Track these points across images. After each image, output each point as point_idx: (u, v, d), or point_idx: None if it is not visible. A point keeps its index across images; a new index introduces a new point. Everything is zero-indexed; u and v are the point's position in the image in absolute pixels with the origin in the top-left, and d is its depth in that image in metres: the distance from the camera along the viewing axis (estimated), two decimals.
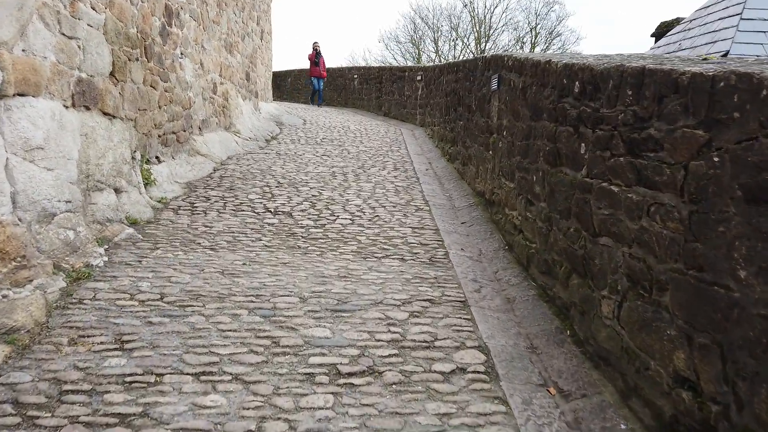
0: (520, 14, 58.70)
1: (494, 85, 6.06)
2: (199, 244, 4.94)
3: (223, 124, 9.73)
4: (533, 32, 40.99)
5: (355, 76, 20.73)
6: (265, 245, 5.04)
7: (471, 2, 46.89)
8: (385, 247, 5.14)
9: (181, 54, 7.36)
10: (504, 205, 5.45)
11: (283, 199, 6.44)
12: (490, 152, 6.12)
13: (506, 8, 40.38)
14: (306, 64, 24.26)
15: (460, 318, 3.75)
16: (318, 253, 4.92)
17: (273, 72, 29.12)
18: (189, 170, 7.20)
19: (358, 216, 6.02)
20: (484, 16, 41.70)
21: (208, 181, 7.05)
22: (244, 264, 4.51)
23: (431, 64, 14.75)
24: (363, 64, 35.30)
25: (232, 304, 3.76)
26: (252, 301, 3.82)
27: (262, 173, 7.61)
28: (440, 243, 5.31)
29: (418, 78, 15.00)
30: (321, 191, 6.81)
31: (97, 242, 4.54)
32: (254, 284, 4.10)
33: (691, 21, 7.01)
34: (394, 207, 6.38)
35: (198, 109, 8.21)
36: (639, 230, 2.72)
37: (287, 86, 27.02)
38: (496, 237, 5.50)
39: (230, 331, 3.42)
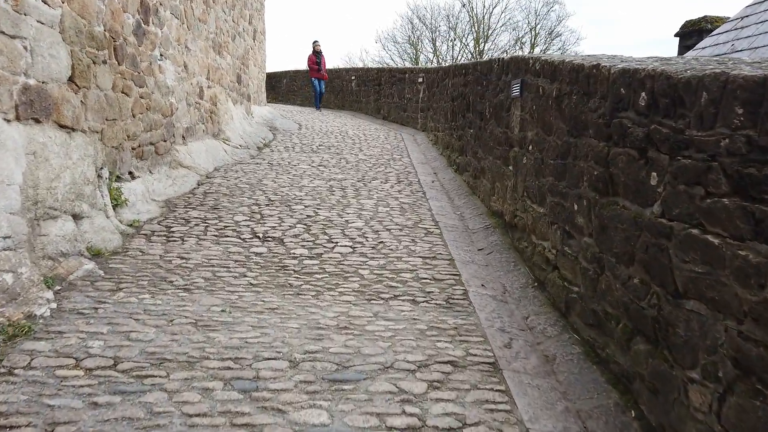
0: (520, 14, 58.05)
1: (515, 92, 5.29)
2: (172, 282, 4.15)
3: (211, 131, 8.94)
4: (533, 32, 40.38)
5: (353, 78, 19.95)
6: (251, 283, 4.25)
7: (469, 2, 46.17)
8: (393, 284, 4.36)
9: (161, 55, 6.58)
10: (530, 232, 4.68)
11: (273, 221, 5.65)
12: (511, 168, 5.35)
13: (505, 8, 39.59)
14: (302, 65, 23.48)
15: (492, 389, 2.97)
16: (313, 293, 4.14)
17: (267, 73, 28.34)
18: (169, 185, 6.42)
19: (359, 242, 5.23)
20: (483, 16, 41.00)
21: (190, 198, 6.26)
22: (222, 311, 3.72)
23: (434, 65, 13.90)
24: (360, 65, 34.53)
25: (204, 373, 2.97)
26: (229, 368, 3.03)
27: (251, 188, 6.82)
28: (456, 278, 4.54)
29: (420, 80, 14.24)
30: (317, 210, 6.03)
31: (46, 283, 3.75)
32: (233, 341, 3.31)
33: (742, 18, 6.27)
34: (400, 230, 5.60)
35: (181, 116, 7.43)
36: (760, 303, 1.95)
37: (282, 88, 26.25)
38: (521, 270, 4.72)
39: (198, 415, 2.63)
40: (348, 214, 5.97)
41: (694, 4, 48.38)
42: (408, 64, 41.13)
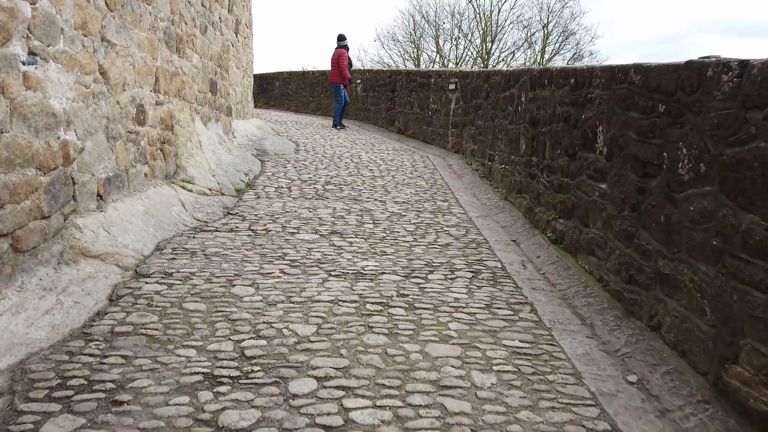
0: (530, 11, 54.92)
1: None
2: None
3: (162, 173, 5.75)
4: (545, 30, 37.40)
5: (359, 81, 16.75)
6: None
7: None
8: None
9: (32, 55, 3.38)
10: None
11: None
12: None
13: (514, 4, 36.36)
14: (296, 65, 20.50)
15: None
16: None
17: (258, 74, 25.09)
18: (41, 316, 3.20)
19: None
20: (491, 12, 37.93)
21: (72, 353, 3.03)
22: None
23: (475, 68, 10.75)
24: (358, 64, 31.20)
25: None
26: None
27: (210, 308, 3.59)
28: None
29: (451, 87, 11.07)
30: (341, 394, 2.81)
31: None
32: None
33: None
34: None
35: (94, 161, 4.24)
36: None
37: (275, 91, 23.04)
38: None
39: None
40: (420, 412, 2.74)
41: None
42: (410, 65, 38.03)
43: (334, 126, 14.03)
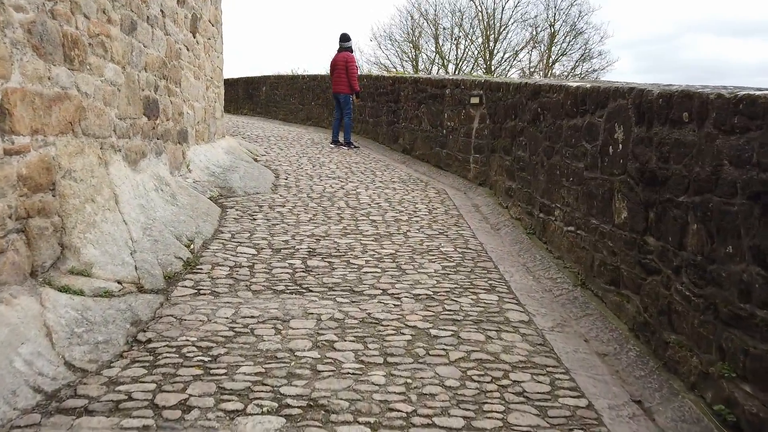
0: (535, 8, 52.56)
1: None
2: None
3: (19, 271, 3.32)
4: (551, 28, 35.06)
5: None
6: None
7: None
8: None
9: None
10: None
11: None
12: None
13: (519, 2, 33.97)
14: (284, 68, 18.27)
15: None
16: None
17: (244, 78, 22.57)
18: None
19: None
20: (494, 10, 35.56)
21: None
22: None
23: (513, 77, 8.31)
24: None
25: None
26: None
27: None
28: None
29: (474, 101, 8.67)
30: None
31: None
32: None
33: None
34: None
35: None
36: None
37: (261, 97, 20.60)
38: None
39: None
40: None
41: None
42: (409, 67, 35.58)
43: (347, 145, 11.66)
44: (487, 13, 35.11)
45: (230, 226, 5.74)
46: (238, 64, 57.58)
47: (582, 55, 34.85)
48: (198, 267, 4.57)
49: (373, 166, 9.66)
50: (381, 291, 4.27)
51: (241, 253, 4.96)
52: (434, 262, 5.01)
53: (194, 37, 7.61)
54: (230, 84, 22.92)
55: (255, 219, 6.03)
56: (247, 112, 21.31)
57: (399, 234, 5.79)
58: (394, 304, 4.03)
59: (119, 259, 4.18)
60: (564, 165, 5.13)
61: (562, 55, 35.11)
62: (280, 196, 7.14)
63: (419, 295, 4.24)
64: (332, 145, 11.65)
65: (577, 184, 4.79)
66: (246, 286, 4.26)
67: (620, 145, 4.04)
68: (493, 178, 7.85)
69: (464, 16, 37.64)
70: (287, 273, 4.55)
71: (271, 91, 19.96)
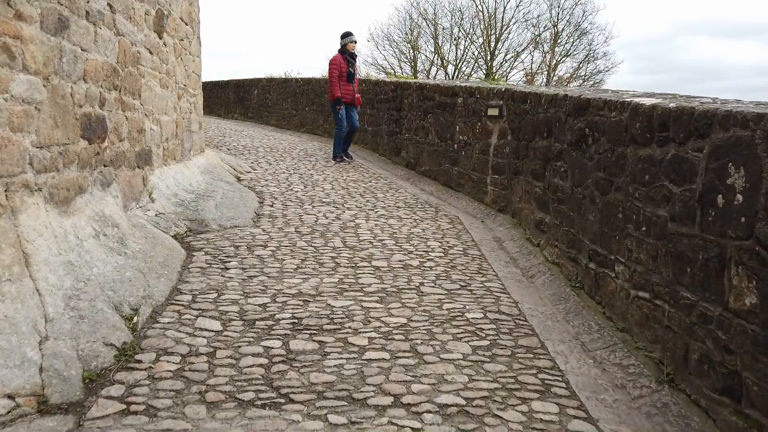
0: (538, 8, 51.34)
1: None
2: None
3: None
4: (555, 29, 33.87)
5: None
6: None
7: None
8: None
9: None
10: None
11: None
12: None
13: (521, 0, 32.67)
14: (276, 70, 17.09)
15: None
16: None
17: (234, 81, 21.23)
18: None
19: None
20: (495, 10, 34.33)
21: None
22: None
23: (540, 88, 6.86)
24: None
25: None
26: None
27: None
28: None
29: (492, 112, 7.42)
30: None
31: None
32: None
33: None
34: None
35: None
36: None
37: (253, 101, 19.32)
38: None
39: None
40: None
41: None
42: (407, 68, 34.27)
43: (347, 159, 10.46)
44: (488, 12, 33.88)
45: (194, 281, 4.46)
46: (231, 66, 56.09)
47: (586, 56, 33.64)
48: (136, 358, 3.29)
49: (374, 185, 8.40)
50: (392, 400, 3.00)
51: (200, 329, 3.68)
52: (460, 339, 3.74)
53: (160, 38, 6.33)
54: (220, 87, 21.59)
55: (227, 269, 4.76)
56: (238, 116, 20.04)
57: (410, 289, 4.53)
58: (413, 429, 2.75)
59: (17, 356, 2.90)
60: (631, 207, 3.87)
61: (566, 56, 33.90)
62: (263, 231, 5.87)
63: (447, 407, 2.96)
64: (333, 161, 10.35)
65: (657, 238, 3.53)
66: (199, 393, 2.98)
67: (739, 196, 2.78)
68: (518, 205, 6.59)
69: (464, 16, 36.44)
70: (261, 366, 3.27)
71: (263, 95, 18.69)
